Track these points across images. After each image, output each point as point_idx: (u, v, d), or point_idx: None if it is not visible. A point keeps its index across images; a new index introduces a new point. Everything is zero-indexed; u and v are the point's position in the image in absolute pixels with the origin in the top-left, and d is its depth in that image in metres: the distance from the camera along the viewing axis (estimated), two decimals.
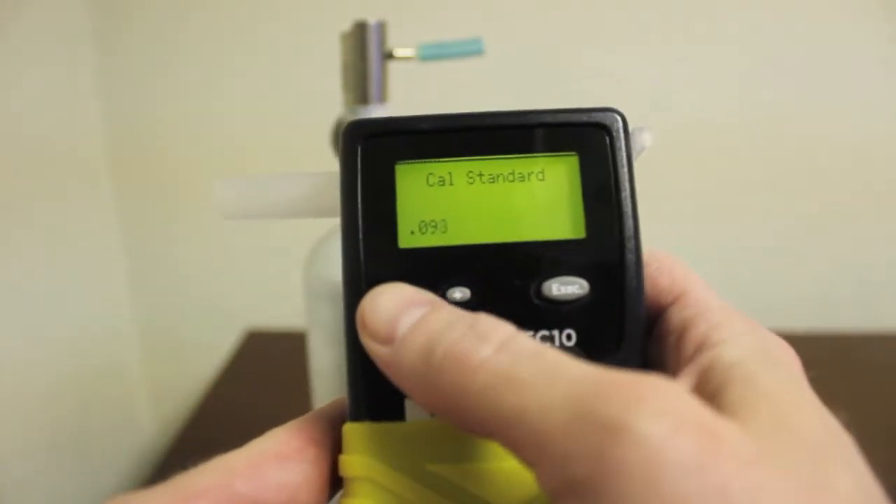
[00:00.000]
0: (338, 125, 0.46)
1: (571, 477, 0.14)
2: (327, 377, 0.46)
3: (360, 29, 0.44)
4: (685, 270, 0.21)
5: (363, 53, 0.44)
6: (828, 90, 0.74)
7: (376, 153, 0.21)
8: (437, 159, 0.21)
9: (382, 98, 0.45)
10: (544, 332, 0.20)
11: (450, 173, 0.21)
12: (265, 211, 0.23)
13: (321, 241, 0.46)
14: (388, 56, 0.44)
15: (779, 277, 0.79)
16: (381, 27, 0.44)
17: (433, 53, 0.45)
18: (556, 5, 0.73)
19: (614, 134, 0.21)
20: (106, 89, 0.77)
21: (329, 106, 0.49)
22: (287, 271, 0.61)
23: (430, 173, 0.21)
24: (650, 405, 0.14)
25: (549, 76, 0.74)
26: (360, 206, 0.20)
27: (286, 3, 0.74)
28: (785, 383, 0.17)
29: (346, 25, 0.44)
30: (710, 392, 0.17)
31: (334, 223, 0.46)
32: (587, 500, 0.14)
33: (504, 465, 0.19)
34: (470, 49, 0.45)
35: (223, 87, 0.76)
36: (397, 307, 0.18)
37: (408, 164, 0.21)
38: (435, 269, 0.20)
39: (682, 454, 0.14)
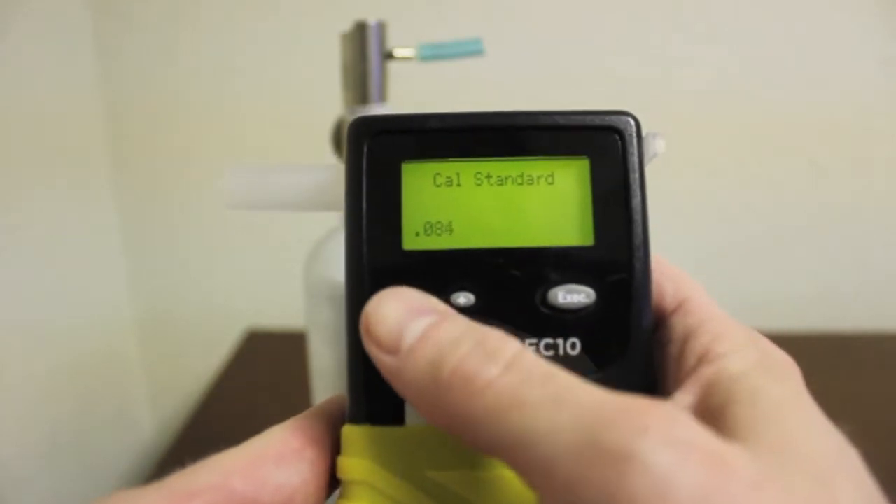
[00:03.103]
0: (338, 125, 0.46)
1: (578, 503, 0.14)
2: (327, 377, 0.46)
3: (360, 29, 0.44)
4: (686, 277, 0.21)
5: (363, 53, 0.44)
6: (828, 90, 0.74)
7: (383, 151, 0.20)
8: (444, 159, 0.20)
9: (382, 98, 0.45)
10: (548, 340, 0.20)
11: (457, 174, 0.20)
12: (271, 203, 0.22)
13: (321, 241, 0.46)
14: (388, 56, 0.44)
15: (778, 277, 0.79)
16: (381, 27, 0.44)
17: (433, 53, 0.45)
18: (556, 5, 0.73)
19: (627, 138, 0.20)
20: (106, 85, 0.77)
21: (329, 106, 0.49)
22: (287, 271, 0.61)
23: (438, 173, 0.20)
24: (658, 434, 0.14)
25: (548, 76, 0.74)
26: (364, 204, 0.20)
27: (286, 3, 0.74)
28: (789, 399, 0.17)
29: (346, 25, 0.44)
30: (714, 408, 0.17)
31: (335, 224, 0.46)
32: None
33: (503, 474, 0.19)
34: (470, 49, 0.45)
35: (223, 87, 0.76)
36: (403, 316, 0.18)
37: (415, 163, 0.20)
38: (439, 273, 0.20)
39: (690, 481, 0.14)
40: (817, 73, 0.73)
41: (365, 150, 0.20)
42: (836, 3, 0.72)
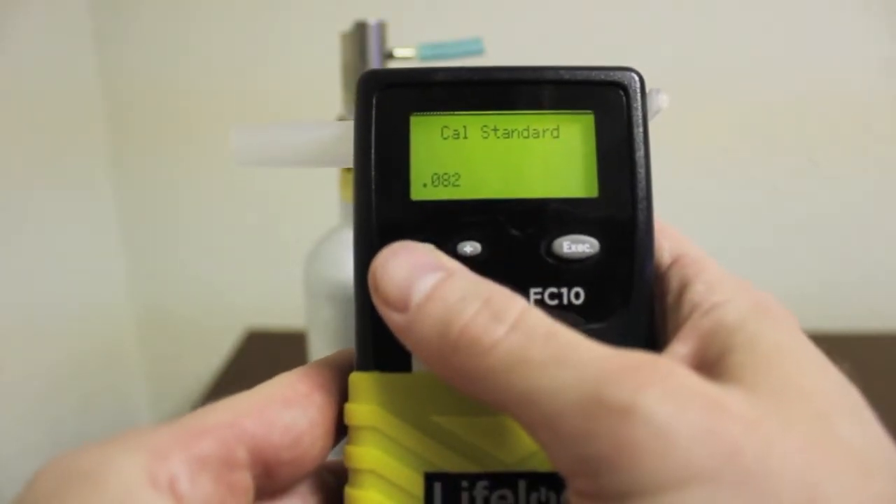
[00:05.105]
0: None
1: (586, 455, 0.15)
2: None
3: (360, 29, 0.44)
4: (683, 236, 0.22)
5: (363, 53, 0.44)
6: (829, 90, 0.74)
7: (391, 104, 0.20)
8: (452, 112, 0.21)
9: None
10: (553, 289, 0.20)
11: (464, 127, 0.20)
12: (280, 158, 0.22)
13: (321, 241, 0.46)
14: (388, 56, 0.44)
15: (779, 277, 0.79)
16: (381, 27, 0.44)
17: (433, 53, 0.45)
18: (556, 5, 0.73)
19: (631, 93, 0.21)
20: (106, 83, 0.77)
21: (329, 106, 0.49)
22: (287, 271, 0.61)
23: (445, 126, 0.20)
24: (658, 387, 0.15)
25: None
26: (373, 156, 0.20)
27: (286, 3, 0.74)
28: (786, 342, 0.17)
29: (346, 25, 0.44)
30: (713, 356, 0.17)
31: (335, 223, 0.46)
32: (603, 476, 0.15)
33: (507, 420, 0.19)
34: (470, 49, 0.45)
35: (223, 86, 0.76)
36: (410, 273, 0.18)
37: (423, 115, 0.20)
38: (446, 223, 0.20)
39: (690, 425, 0.14)
40: (818, 73, 0.73)
41: (374, 102, 0.20)
42: (837, 2, 0.72)
